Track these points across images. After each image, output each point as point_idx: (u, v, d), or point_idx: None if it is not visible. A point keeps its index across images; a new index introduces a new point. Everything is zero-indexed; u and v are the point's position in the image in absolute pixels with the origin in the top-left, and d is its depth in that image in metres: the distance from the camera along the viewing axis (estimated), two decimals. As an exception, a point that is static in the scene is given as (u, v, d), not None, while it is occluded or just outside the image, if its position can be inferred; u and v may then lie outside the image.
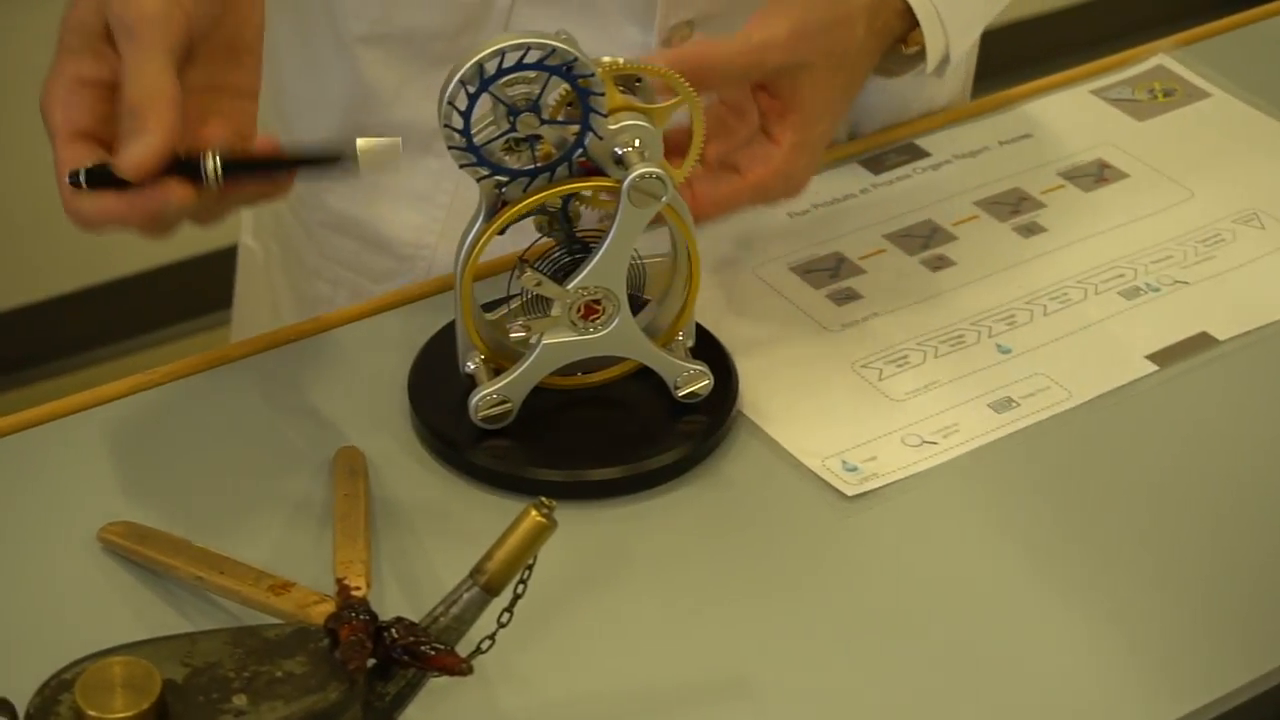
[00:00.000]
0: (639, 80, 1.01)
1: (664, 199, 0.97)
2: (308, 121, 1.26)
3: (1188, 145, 1.27)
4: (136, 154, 0.90)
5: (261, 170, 0.94)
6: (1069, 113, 1.31)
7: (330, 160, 0.93)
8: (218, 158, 0.92)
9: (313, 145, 0.95)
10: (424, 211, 1.23)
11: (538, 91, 0.96)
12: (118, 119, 0.92)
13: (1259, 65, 1.35)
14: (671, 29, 1.17)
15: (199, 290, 2.50)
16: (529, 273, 1.00)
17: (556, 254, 1.01)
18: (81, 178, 0.91)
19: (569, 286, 0.99)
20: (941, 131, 1.28)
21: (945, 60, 1.14)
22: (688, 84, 1.02)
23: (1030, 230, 1.20)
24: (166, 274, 2.64)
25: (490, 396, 1.01)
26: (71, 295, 2.62)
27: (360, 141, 0.92)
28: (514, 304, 1.03)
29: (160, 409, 1.06)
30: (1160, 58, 1.36)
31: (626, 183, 0.97)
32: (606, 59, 0.99)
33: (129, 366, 2.56)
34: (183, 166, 0.91)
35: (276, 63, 1.24)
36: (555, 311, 1.00)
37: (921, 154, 1.26)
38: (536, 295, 1.01)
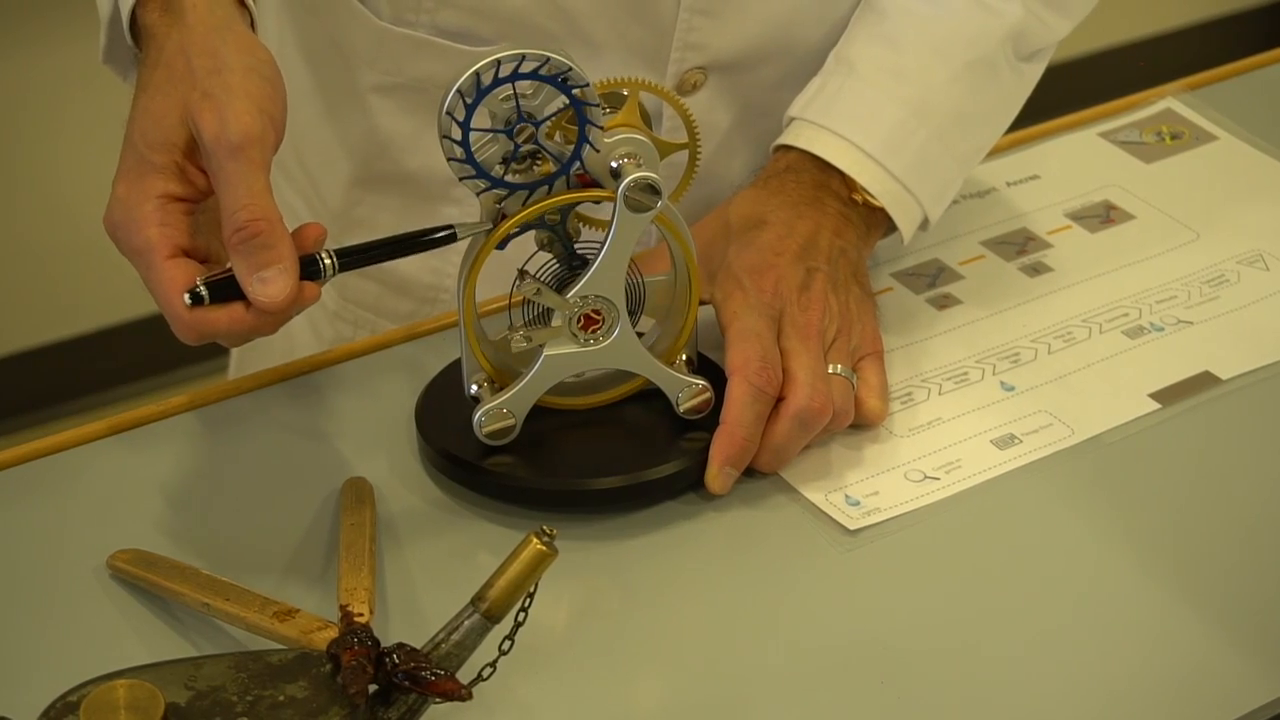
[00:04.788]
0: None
1: (659, 204, 0.99)
2: (327, 168, 1.27)
3: (1194, 187, 1.28)
4: (283, 285, 0.92)
5: (371, 259, 0.97)
6: (1077, 155, 1.32)
7: (433, 237, 0.98)
8: (333, 255, 0.95)
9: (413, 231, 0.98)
10: (441, 256, 1.25)
11: (534, 104, 0.97)
12: (200, 232, 0.94)
13: (1266, 109, 1.36)
14: (684, 74, 1.19)
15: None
16: (528, 281, 1.01)
17: (557, 268, 1.03)
18: (204, 294, 0.92)
19: (568, 296, 1.01)
20: (950, 172, 1.29)
21: (925, 224, 1.16)
22: (694, 122, 1.04)
23: (1036, 270, 1.21)
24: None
25: (494, 411, 1.02)
26: (91, 335, 2.64)
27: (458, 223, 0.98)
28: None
29: (171, 439, 1.07)
30: (1169, 100, 1.37)
31: (620, 188, 0.98)
32: (641, 78, 1.01)
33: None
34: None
35: (296, 112, 1.25)
36: (556, 322, 1.01)
37: (929, 194, 1.27)
38: (538, 311, 1.02)
